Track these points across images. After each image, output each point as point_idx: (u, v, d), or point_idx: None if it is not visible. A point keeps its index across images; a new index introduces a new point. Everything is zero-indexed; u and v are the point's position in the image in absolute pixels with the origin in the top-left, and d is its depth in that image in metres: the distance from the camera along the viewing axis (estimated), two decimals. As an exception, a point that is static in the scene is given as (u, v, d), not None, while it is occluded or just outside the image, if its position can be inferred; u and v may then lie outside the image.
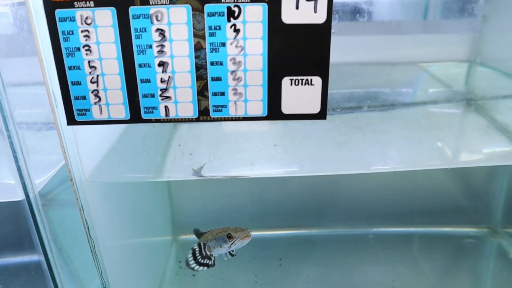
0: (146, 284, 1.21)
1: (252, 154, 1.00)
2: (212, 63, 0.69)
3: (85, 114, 0.72)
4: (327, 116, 0.74)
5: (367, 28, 1.13)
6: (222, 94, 0.72)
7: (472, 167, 1.46)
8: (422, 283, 1.32)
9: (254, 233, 1.55)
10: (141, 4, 0.65)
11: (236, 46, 0.69)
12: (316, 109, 0.74)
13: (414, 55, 1.26)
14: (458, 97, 1.27)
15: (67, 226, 0.90)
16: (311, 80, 0.71)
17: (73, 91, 0.71)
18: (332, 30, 0.67)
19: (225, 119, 0.74)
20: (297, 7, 0.66)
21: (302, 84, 0.71)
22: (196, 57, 0.69)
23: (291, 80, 0.71)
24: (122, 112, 0.72)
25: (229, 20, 0.67)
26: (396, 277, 1.34)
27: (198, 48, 0.68)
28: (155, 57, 0.69)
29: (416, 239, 1.51)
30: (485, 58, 1.28)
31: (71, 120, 0.72)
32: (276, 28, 0.67)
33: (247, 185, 1.51)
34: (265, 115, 0.74)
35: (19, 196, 0.81)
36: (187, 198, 1.52)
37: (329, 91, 0.73)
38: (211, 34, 0.68)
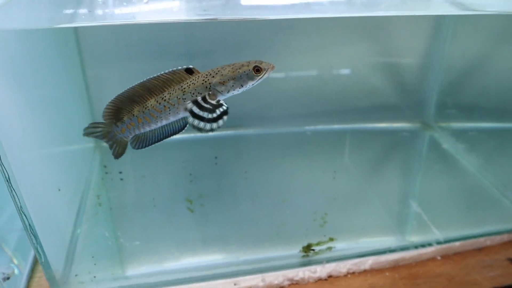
0: (68, 193, 1.07)
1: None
2: None
3: None
4: None
5: None
6: None
7: (406, 64, 1.47)
8: (362, 173, 1.34)
9: (186, 135, 1.50)
10: None
11: None
12: None
13: None
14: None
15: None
16: None
17: None
18: None
19: None
20: None
21: None
22: None
23: None
24: None
25: None
26: (337, 168, 1.34)
27: None
28: None
29: (353, 134, 1.50)
30: None
31: None
32: None
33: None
34: None
35: None
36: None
37: None
38: None
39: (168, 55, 1.35)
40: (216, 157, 1.35)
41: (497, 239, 1.10)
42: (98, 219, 1.09)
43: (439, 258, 1.08)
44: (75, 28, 1.20)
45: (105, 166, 1.28)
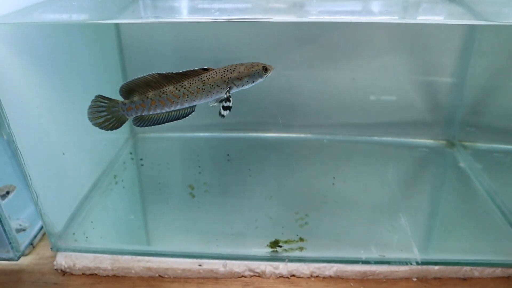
0: (85, 168, 1.27)
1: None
2: None
3: None
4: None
5: None
6: None
7: (434, 80, 1.41)
8: (363, 183, 1.31)
9: (207, 134, 1.63)
10: None
11: None
12: None
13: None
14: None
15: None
16: None
17: None
18: None
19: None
20: None
21: None
22: None
23: None
24: None
25: None
26: (339, 175, 1.34)
27: None
28: None
29: (370, 146, 1.48)
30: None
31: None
32: None
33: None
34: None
35: None
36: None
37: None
38: None
39: (201, 57, 1.49)
40: (228, 155, 1.46)
41: (488, 271, 0.99)
42: (109, 194, 1.27)
43: (414, 279, 1.01)
44: (117, 27, 1.41)
45: (130, 153, 1.48)
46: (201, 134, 1.58)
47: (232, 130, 1.58)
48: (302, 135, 1.54)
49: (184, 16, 1.21)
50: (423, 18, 1.20)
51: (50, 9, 1.03)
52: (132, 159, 1.46)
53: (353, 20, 1.20)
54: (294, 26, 1.39)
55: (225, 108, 0.89)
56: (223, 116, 0.89)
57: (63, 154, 1.09)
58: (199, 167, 1.39)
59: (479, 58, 1.28)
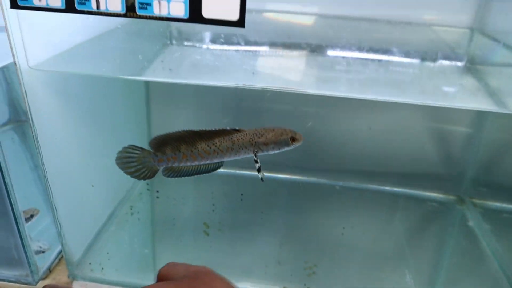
0: (104, 199, 1.32)
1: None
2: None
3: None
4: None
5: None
6: (147, -8, 0.79)
7: (451, 136, 1.45)
8: (372, 235, 1.34)
9: (224, 171, 1.68)
10: None
11: None
12: (235, 17, 0.79)
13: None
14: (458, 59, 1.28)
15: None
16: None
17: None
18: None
19: (150, 17, 0.81)
20: None
21: (222, -10, 0.76)
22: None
23: (211, -15, 0.76)
24: (58, 1, 0.81)
25: None
26: (349, 225, 1.37)
27: None
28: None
29: (381, 196, 1.52)
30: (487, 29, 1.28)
31: (14, 4, 0.82)
32: None
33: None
34: (186, 17, 0.80)
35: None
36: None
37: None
38: None
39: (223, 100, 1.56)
40: (242, 194, 1.50)
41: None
42: (125, 225, 1.32)
43: (418, 337, 1.03)
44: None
45: (147, 184, 1.53)
46: (216, 172, 1.63)
47: (246, 168, 1.63)
48: (314, 179, 1.58)
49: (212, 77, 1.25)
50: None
51: (84, 57, 1.10)
52: (149, 190, 1.52)
53: (379, 99, 1.20)
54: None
55: (259, 170, 0.94)
56: (263, 179, 0.94)
57: (92, 186, 1.15)
58: (213, 204, 1.44)
59: (496, 117, 1.32)
